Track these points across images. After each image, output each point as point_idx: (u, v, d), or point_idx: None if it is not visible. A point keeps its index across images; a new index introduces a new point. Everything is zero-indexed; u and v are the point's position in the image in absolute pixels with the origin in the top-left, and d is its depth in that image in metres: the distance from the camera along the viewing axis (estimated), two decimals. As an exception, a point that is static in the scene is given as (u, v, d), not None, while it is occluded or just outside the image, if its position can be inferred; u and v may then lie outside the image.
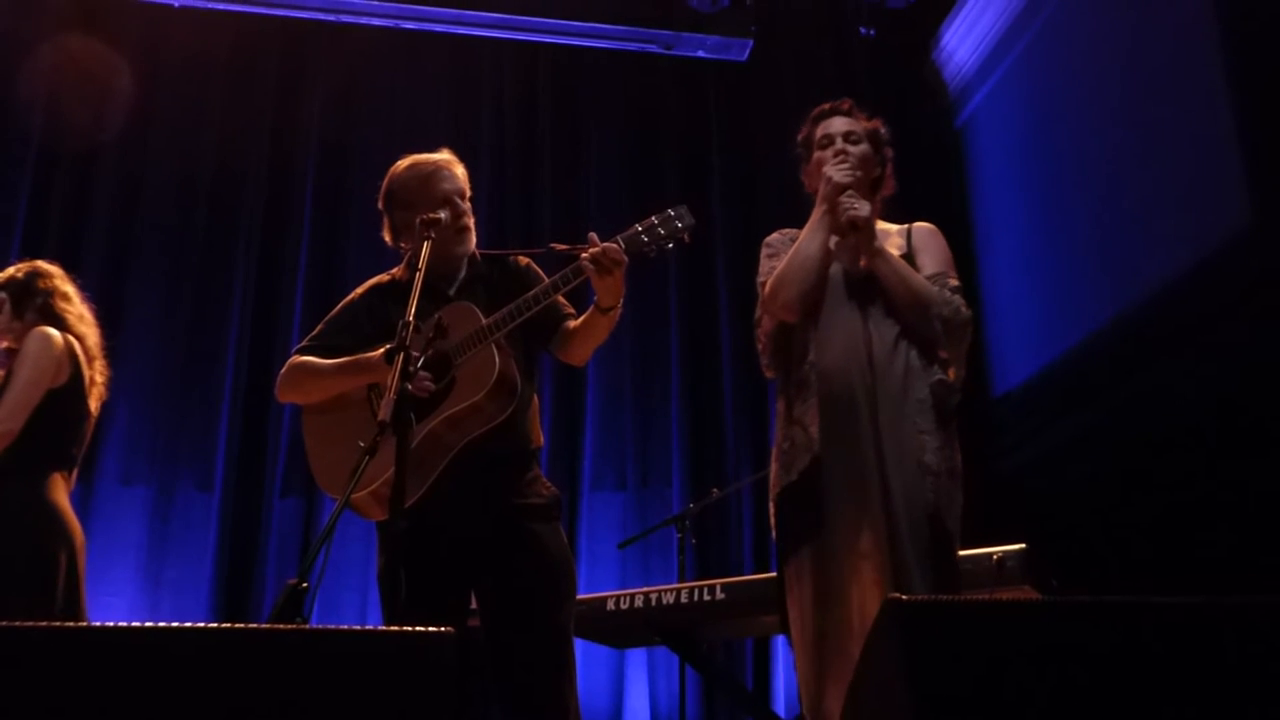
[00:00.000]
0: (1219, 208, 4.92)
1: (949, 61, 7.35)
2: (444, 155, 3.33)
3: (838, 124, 3.25)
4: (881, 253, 3.03)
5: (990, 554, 3.86)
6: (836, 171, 3.11)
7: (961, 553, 3.86)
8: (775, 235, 3.29)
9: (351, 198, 6.83)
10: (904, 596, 1.90)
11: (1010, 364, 6.54)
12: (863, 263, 3.07)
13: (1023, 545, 3.86)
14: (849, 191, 3.07)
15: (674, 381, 6.88)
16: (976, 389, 6.53)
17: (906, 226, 3.23)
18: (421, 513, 2.85)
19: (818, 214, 3.13)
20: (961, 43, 7.18)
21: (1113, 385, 5.45)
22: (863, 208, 3.04)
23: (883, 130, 3.29)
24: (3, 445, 3.69)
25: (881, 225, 3.21)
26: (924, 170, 7.13)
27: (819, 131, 3.26)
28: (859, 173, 3.15)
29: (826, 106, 3.31)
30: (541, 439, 3.30)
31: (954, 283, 3.05)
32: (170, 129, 6.84)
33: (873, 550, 2.79)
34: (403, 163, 3.32)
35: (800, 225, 3.18)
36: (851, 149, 3.19)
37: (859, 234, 3.05)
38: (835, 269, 3.11)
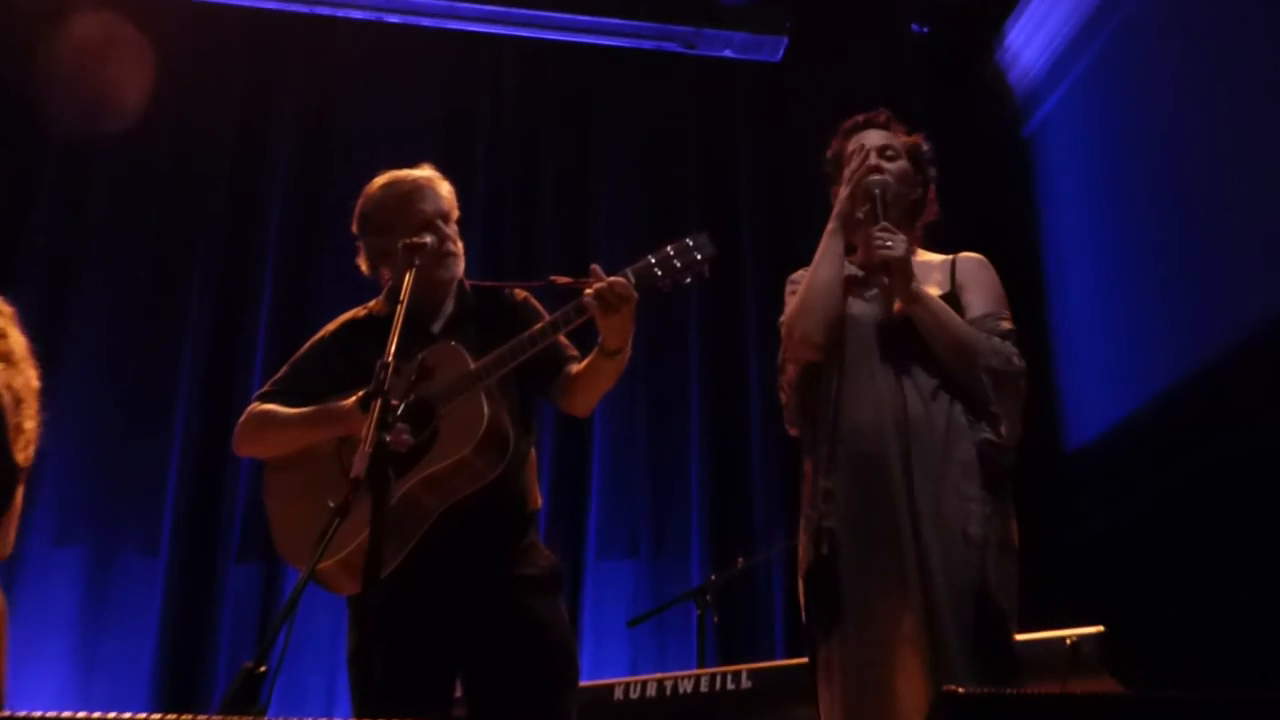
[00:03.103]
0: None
1: (1015, 63, 7.38)
2: (425, 171, 3.36)
3: (872, 138, 3.26)
4: (919, 296, 3.00)
5: (1063, 638, 3.84)
6: (868, 178, 3.13)
7: (1030, 636, 3.86)
8: (800, 272, 3.27)
9: (325, 218, 6.86)
10: (960, 689, 1.89)
11: (1086, 414, 6.52)
12: (897, 307, 3.06)
13: (1101, 628, 3.84)
14: (883, 225, 3.06)
15: (693, 432, 6.87)
16: (1047, 443, 6.53)
17: (951, 258, 3.21)
18: (399, 585, 2.85)
19: (830, 232, 3.15)
20: (1029, 41, 7.22)
21: (1205, 440, 5.42)
22: (897, 245, 3.02)
23: (925, 146, 3.31)
24: None
25: (923, 256, 3.22)
26: (986, 187, 7.17)
27: (850, 146, 3.28)
28: (883, 191, 3.14)
29: (860, 118, 3.33)
30: (539, 500, 3.30)
31: (1006, 325, 3.03)
32: (114, 138, 6.86)
33: (912, 635, 2.77)
34: (378, 181, 3.35)
35: None
36: (887, 165, 3.20)
37: (892, 275, 3.04)
38: (867, 313, 3.10)
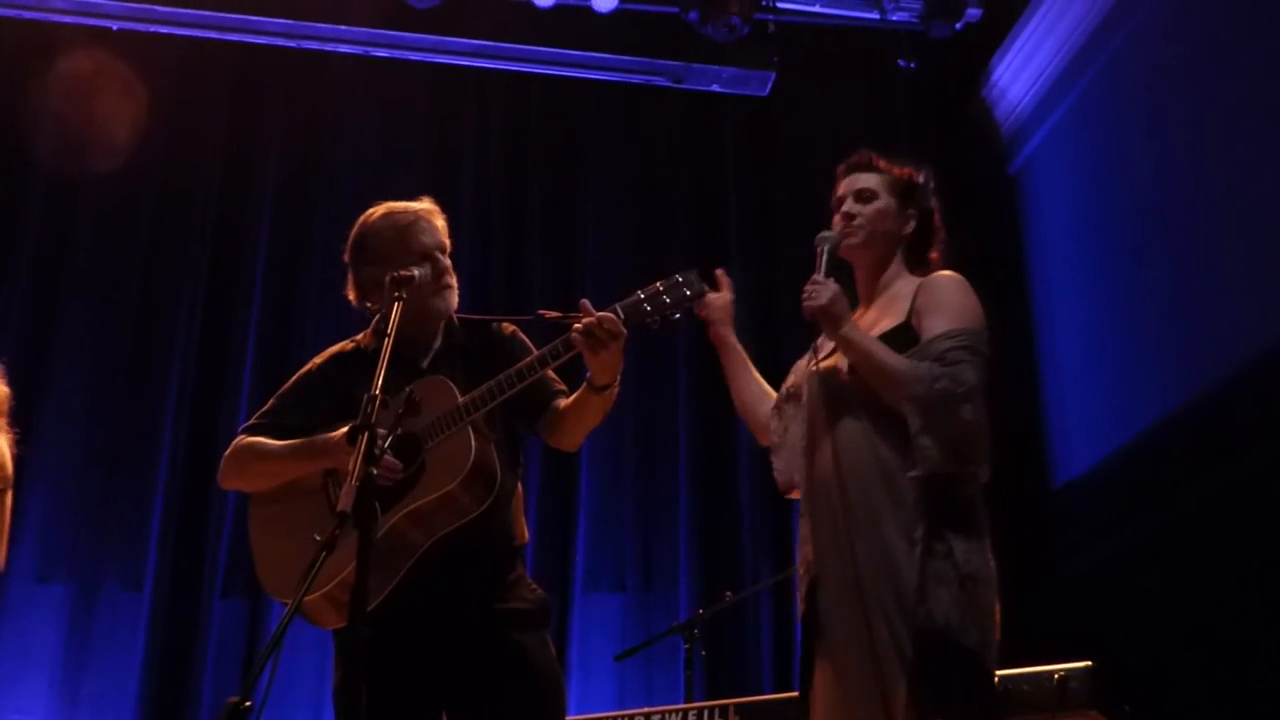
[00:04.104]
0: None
1: (1001, 99, 7.44)
2: (424, 205, 3.38)
3: (853, 181, 3.32)
4: (847, 339, 3.03)
5: (1051, 672, 3.84)
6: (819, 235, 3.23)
7: (1018, 670, 3.87)
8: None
9: (311, 252, 6.89)
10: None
11: (1075, 449, 6.54)
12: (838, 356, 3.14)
13: (1089, 662, 3.85)
14: (813, 277, 3.10)
15: (681, 465, 6.88)
16: (1036, 478, 6.54)
17: (919, 281, 3.22)
18: (385, 619, 2.84)
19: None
20: (1016, 78, 7.27)
21: (1194, 476, 5.44)
22: (820, 294, 3.04)
23: (917, 178, 3.34)
24: None
25: (898, 287, 3.24)
26: (973, 223, 7.18)
27: (838, 191, 3.34)
28: (854, 238, 3.24)
29: (845, 164, 3.39)
30: (526, 534, 3.30)
31: (948, 345, 2.98)
32: (101, 172, 6.88)
33: (872, 685, 2.85)
34: (377, 211, 3.36)
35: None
36: (862, 209, 3.26)
37: (819, 325, 3.09)
38: (829, 365, 3.16)
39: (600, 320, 2.97)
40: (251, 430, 3.28)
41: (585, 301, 3.02)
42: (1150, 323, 6.01)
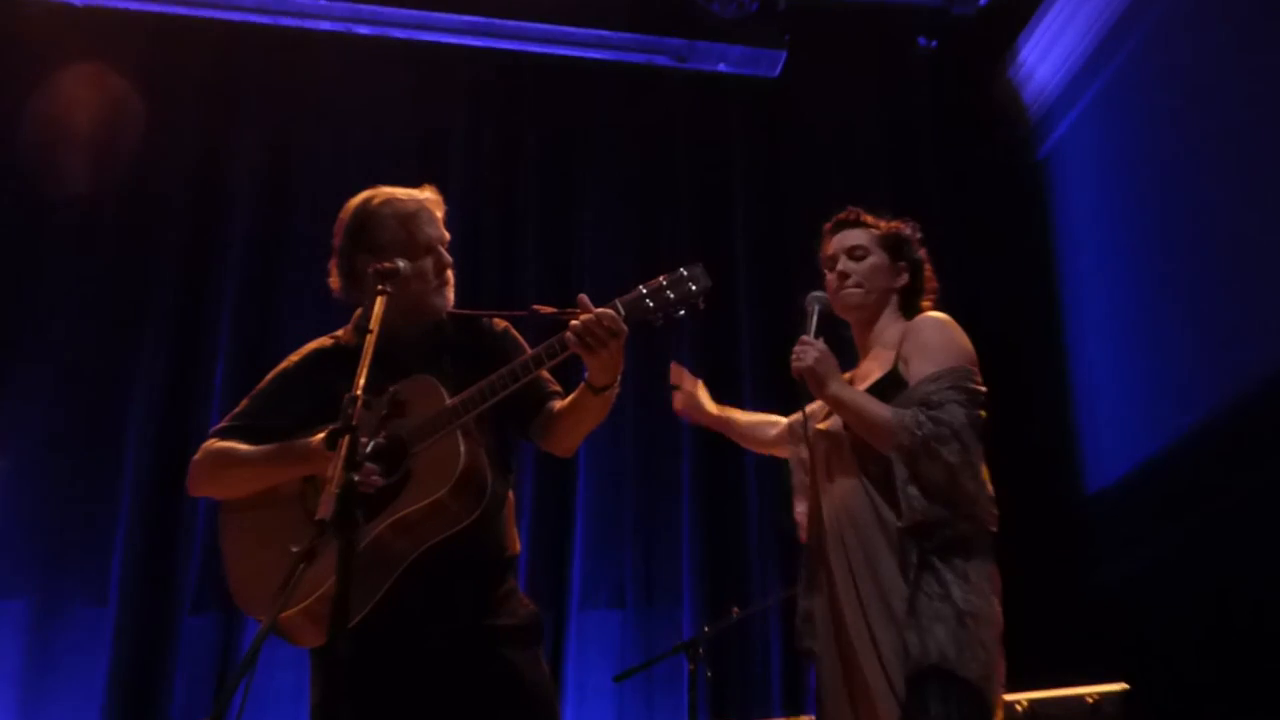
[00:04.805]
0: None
1: (1029, 80, 7.42)
2: (427, 193, 3.40)
3: (843, 238, 3.57)
4: (835, 397, 3.26)
5: (1084, 695, 3.86)
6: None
7: (1050, 693, 3.88)
8: None
9: (290, 241, 6.87)
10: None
11: (1107, 455, 6.52)
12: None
13: (1124, 685, 3.85)
14: (801, 338, 3.35)
15: (685, 471, 6.87)
16: (1064, 486, 6.53)
17: (904, 326, 3.46)
18: (367, 636, 2.84)
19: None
20: (1044, 57, 7.26)
21: (1235, 480, 5.42)
22: (806, 355, 3.28)
23: (905, 231, 3.58)
24: None
25: (889, 335, 3.48)
26: (997, 215, 7.20)
27: (827, 250, 3.60)
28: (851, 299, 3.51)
29: (832, 222, 3.64)
30: (518, 545, 3.30)
31: (936, 385, 3.19)
32: (66, 156, 6.85)
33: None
34: (377, 196, 3.34)
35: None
36: (856, 266, 3.51)
37: (808, 385, 3.30)
38: (833, 425, 3.39)
39: (599, 317, 2.97)
40: (223, 433, 3.26)
41: (583, 296, 3.01)
42: (1187, 320, 6.00)
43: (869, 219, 3.58)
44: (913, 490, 3.09)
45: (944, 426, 3.09)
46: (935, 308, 3.51)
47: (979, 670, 2.98)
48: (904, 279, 3.54)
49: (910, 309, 3.52)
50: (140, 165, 6.94)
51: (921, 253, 3.60)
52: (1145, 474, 6.15)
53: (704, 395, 3.90)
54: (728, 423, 3.84)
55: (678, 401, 3.91)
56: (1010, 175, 7.40)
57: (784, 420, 3.69)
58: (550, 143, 7.48)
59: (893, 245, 3.54)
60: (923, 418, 3.11)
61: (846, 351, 3.52)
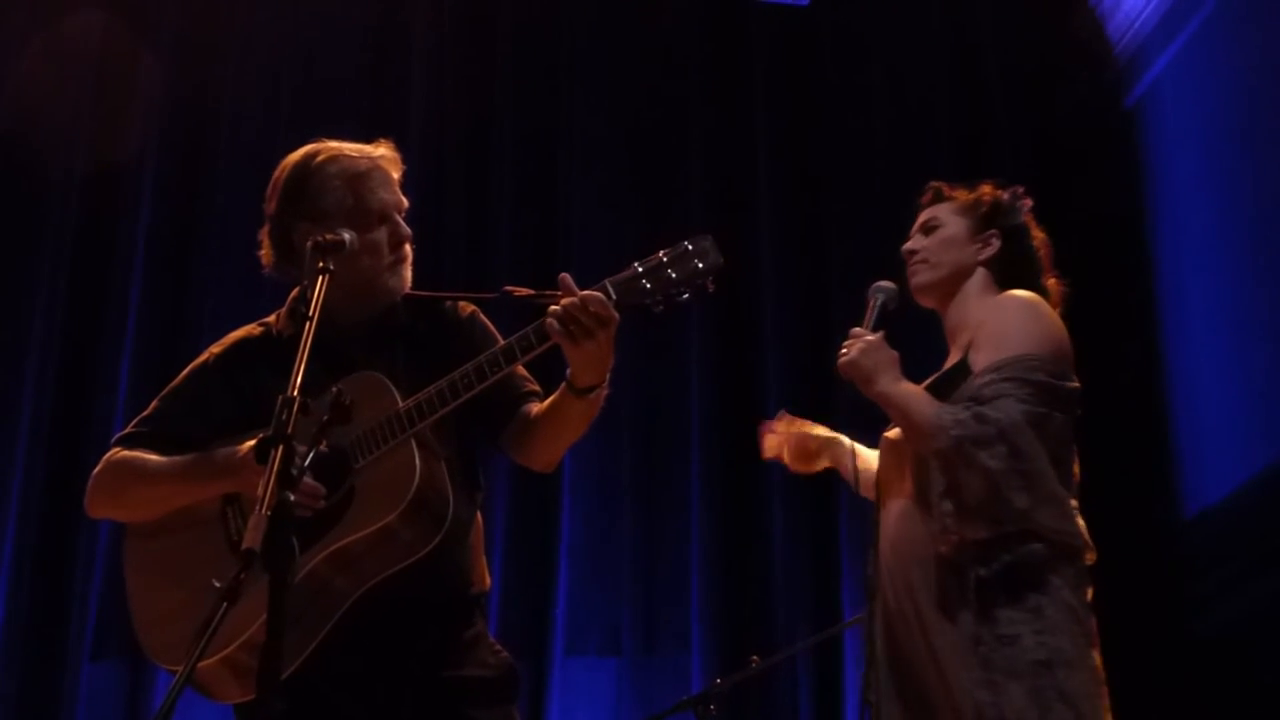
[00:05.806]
0: None
1: (1115, 12, 7.42)
2: (381, 150, 3.39)
3: (922, 217, 3.68)
4: (883, 394, 3.29)
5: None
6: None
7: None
8: None
9: (208, 204, 6.87)
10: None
11: (1211, 469, 6.53)
12: None
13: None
14: (853, 330, 3.41)
15: (694, 494, 6.87)
16: (1159, 507, 6.53)
17: (989, 303, 3.50)
18: (301, 692, 2.85)
19: None
20: (1135, -19, 7.26)
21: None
22: (851, 350, 3.34)
23: (986, 197, 3.63)
24: None
25: (976, 316, 3.48)
26: (1079, 175, 7.19)
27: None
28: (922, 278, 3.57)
29: (920, 200, 3.72)
30: (488, 580, 3.32)
31: (993, 377, 3.20)
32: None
33: None
34: (322, 151, 3.33)
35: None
36: (925, 241, 3.60)
37: (856, 384, 3.35)
38: (896, 432, 3.44)
39: (585, 300, 2.94)
40: (129, 441, 3.27)
41: (565, 276, 2.98)
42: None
43: (950, 190, 3.65)
44: (947, 505, 3.10)
45: (989, 425, 3.07)
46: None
47: None
48: (991, 249, 3.54)
49: (1010, 282, 3.50)
50: (28, 116, 6.91)
51: (1027, 218, 3.62)
52: (1256, 493, 6.15)
53: (811, 427, 3.90)
54: (846, 460, 3.76)
55: (771, 445, 3.90)
56: (1094, 127, 7.40)
57: None
58: (530, 76, 7.43)
59: (976, 211, 3.58)
60: (964, 415, 3.11)
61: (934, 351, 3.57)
